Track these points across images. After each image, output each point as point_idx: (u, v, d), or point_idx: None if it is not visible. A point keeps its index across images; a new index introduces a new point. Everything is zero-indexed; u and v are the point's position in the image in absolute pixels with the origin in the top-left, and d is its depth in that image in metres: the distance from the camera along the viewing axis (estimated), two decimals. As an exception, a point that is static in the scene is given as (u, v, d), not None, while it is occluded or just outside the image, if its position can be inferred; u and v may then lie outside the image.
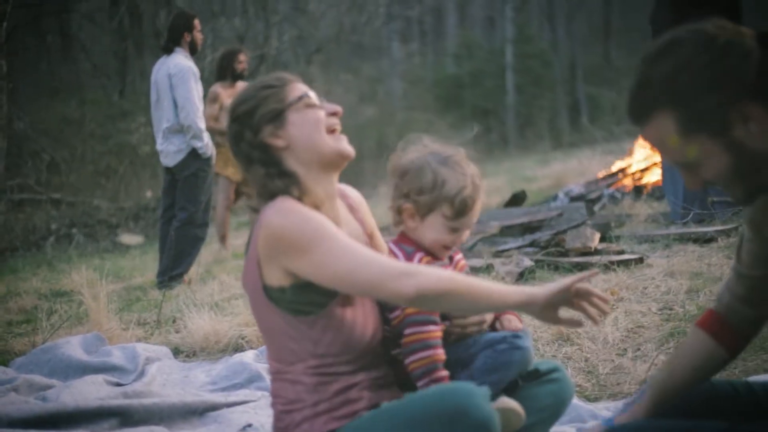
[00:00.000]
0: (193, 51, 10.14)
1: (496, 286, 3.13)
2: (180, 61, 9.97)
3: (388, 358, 3.50)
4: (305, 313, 3.24)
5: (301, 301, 3.22)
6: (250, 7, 25.13)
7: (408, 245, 3.61)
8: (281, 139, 3.32)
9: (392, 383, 3.46)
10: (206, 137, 10.02)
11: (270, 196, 3.30)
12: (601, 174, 12.86)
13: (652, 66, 2.72)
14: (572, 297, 3.12)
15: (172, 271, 9.94)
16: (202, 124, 9.95)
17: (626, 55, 38.34)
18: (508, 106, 37.66)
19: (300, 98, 3.34)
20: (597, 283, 7.28)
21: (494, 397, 3.34)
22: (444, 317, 3.56)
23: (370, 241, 3.68)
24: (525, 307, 3.12)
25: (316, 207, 3.29)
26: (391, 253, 3.61)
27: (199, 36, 10.19)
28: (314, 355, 3.27)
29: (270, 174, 3.31)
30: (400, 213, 3.61)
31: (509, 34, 38.36)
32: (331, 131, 3.38)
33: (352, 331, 3.30)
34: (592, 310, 3.16)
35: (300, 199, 3.27)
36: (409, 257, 3.56)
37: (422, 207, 3.57)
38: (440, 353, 3.45)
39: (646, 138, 2.86)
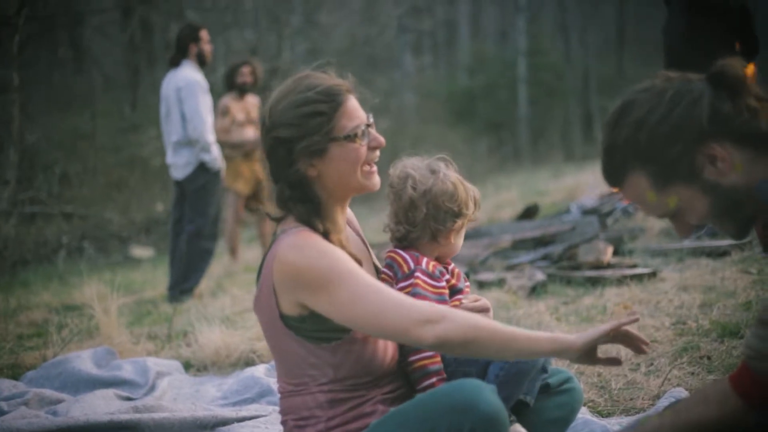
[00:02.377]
0: (202, 63, 10.15)
1: (527, 334, 3.09)
2: (188, 74, 9.98)
3: (402, 371, 3.49)
4: (327, 340, 3.22)
5: (323, 328, 3.19)
6: (263, 19, 25.15)
7: (414, 250, 3.67)
8: (315, 169, 3.25)
9: (406, 395, 3.44)
10: (215, 150, 10.03)
11: (287, 212, 3.29)
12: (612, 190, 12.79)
13: (613, 131, 2.86)
14: (610, 340, 3.08)
15: (182, 285, 9.94)
16: (211, 137, 9.96)
17: (639, 67, 38.20)
18: (521, 119, 37.62)
19: (347, 137, 3.24)
20: (609, 297, 7.25)
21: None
22: None
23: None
24: (559, 355, 3.11)
25: (327, 233, 3.25)
26: (399, 257, 3.63)
27: (207, 48, 10.19)
28: (334, 379, 3.26)
29: (294, 197, 3.26)
30: (437, 234, 3.68)
31: (522, 46, 38.33)
32: (366, 165, 3.31)
33: (374, 355, 3.30)
34: (634, 345, 3.13)
35: (314, 227, 3.23)
36: (417, 261, 3.62)
37: (471, 216, 3.75)
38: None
39: (626, 198, 2.96)
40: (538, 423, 3.70)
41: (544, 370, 3.67)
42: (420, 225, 3.66)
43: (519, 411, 3.68)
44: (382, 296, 3.08)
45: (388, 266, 3.63)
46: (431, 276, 3.60)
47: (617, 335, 3.10)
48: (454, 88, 39.34)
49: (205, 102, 9.98)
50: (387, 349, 3.36)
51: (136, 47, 25.46)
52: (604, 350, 3.22)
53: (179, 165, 10.09)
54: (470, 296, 3.77)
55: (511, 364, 3.58)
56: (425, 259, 3.64)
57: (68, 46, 26.52)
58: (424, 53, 41.85)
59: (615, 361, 3.16)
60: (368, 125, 3.32)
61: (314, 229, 3.24)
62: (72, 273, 12.89)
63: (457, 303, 3.68)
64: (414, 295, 3.46)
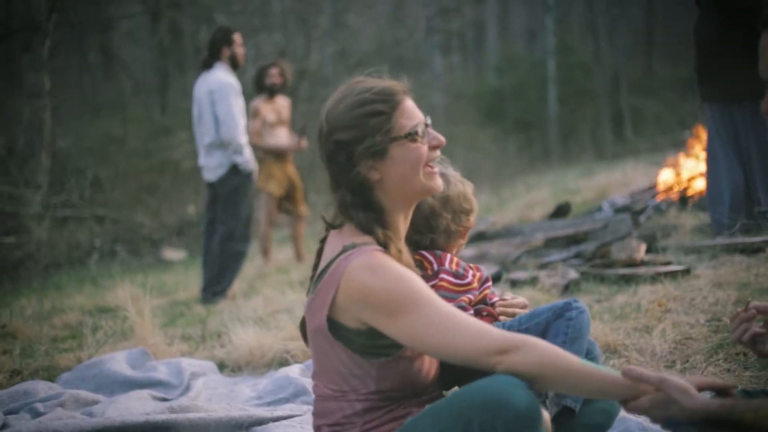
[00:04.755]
0: (234, 66, 10.18)
1: (602, 375, 3.00)
2: (220, 76, 10.01)
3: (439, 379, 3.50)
4: (377, 356, 3.20)
5: (377, 345, 3.17)
6: (291, 22, 25.19)
7: (437, 249, 3.78)
8: (377, 173, 3.21)
9: (439, 398, 3.43)
10: (247, 152, 10.05)
11: (348, 220, 3.26)
12: (656, 181, 12.70)
13: None
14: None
15: (215, 286, 9.97)
16: (243, 140, 9.98)
17: (669, 66, 38.08)
18: (551, 118, 37.51)
19: (408, 135, 3.21)
20: (643, 294, 7.22)
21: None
22: (485, 302, 3.77)
23: None
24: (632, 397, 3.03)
25: (387, 242, 3.22)
26: (424, 259, 3.71)
27: (240, 50, 10.22)
28: (375, 391, 3.25)
29: (356, 204, 3.23)
30: (457, 234, 3.84)
31: (551, 45, 38.21)
32: (427, 165, 3.28)
33: (419, 373, 3.30)
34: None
35: (375, 235, 3.21)
36: (441, 261, 3.70)
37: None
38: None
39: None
40: (575, 427, 3.68)
41: (575, 300, 3.74)
42: (442, 230, 3.71)
43: (565, 417, 3.67)
44: (454, 324, 3.04)
45: (417, 267, 3.64)
46: (455, 275, 3.66)
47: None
48: (483, 88, 39.33)
49: (238, 104, 10.01)
50: (431, 367, 3.36)
51: (166, 51, 25.60)
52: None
53: (212, 167, 10.12)
54: (507, 294, 3.82)
55: (572, 321, 3.63)
56: (449, 258, 3.70)
57: (98, 52, 26.71)
58: (453, 54, 41.84)
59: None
60: (427, 125, 3.29)
61: (374, 237, 3.21)
62: (104, 276, 12.94)
63: (487, 291, 3.79)
64: None
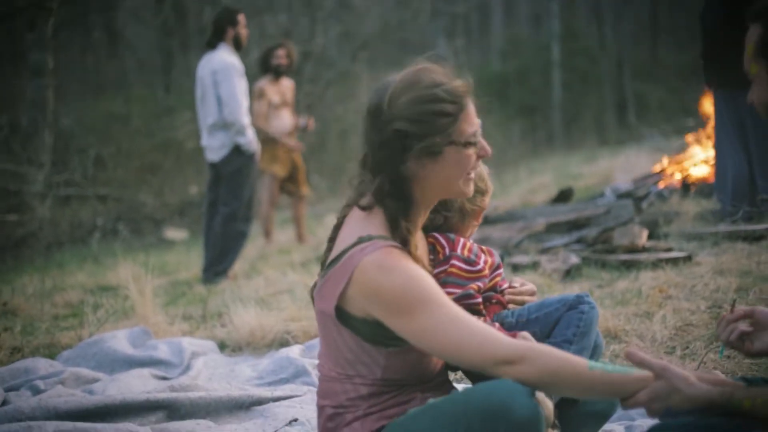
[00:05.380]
0: (238, 47, 10.16)
1: (610, 377, 2.94)
2: (224, 57, 9.99)
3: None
4: (385, 345, 3.17)
5: (383, 335, 3.14)
6: (296, 3, 25.14)
7: (450, 233, 3.72)
8: (424, 170, 3.15)
9: (444, 384, 3.44)
10: (250, 133, 10.04)
11: (377, 205, 3.20)
12: (656, 168, 12.69)
13: None
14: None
15: (216, 266, 9.97)
16: (246, 120, 9.97)
17: (674, 52, 38.01)
18: (555, 104, 37.45)
19: (467, 143, 3.16)
20: (645, 280, 7.22)
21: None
22: (495, 289, 3.77)
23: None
24: None
25: (407, 236, 3.17)
26: (437, 242, 3.64)
27: (244, 32, 10.19)
28: (381, 378, 3.24)
29: (390, 192, 3.17)
30: (471, 214, 3.78)
31: (556, 30, 38.12)
32: (467, 172, 3.23)
33: (428, 364, 3.29)
34: None
35: (398, 226, 3.17)
36: (453, 246, 3.63)
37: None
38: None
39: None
40: (577, 415, 3.66)
41: (586, 294, 3.75)
42: (457, 209, 3.68)
43: (568, 405, 3.66)
44: (462, 330, 2.99)
45: (429, 251, 3.63)
46: (467, 261, 3.61)
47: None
48: (487, 72, 39.22)
49: (241, 85, 10.00)
50: (439, 360, 3.35)
51: (170, 31, 25.53)
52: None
53: (214, 147, 10.11)
54: (517, 279, 3.81)
55: (584, 314, 3.65)
56: (461, 242, 3.65)
57: (102, 30, 26.66)
58: (458, 37, 41.75)
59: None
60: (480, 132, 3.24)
61: (397, 228, 3.17)
62: (106, 254, 12.96)
63: (497, 278, 3.76)
64: (445, 283, 3.47)
